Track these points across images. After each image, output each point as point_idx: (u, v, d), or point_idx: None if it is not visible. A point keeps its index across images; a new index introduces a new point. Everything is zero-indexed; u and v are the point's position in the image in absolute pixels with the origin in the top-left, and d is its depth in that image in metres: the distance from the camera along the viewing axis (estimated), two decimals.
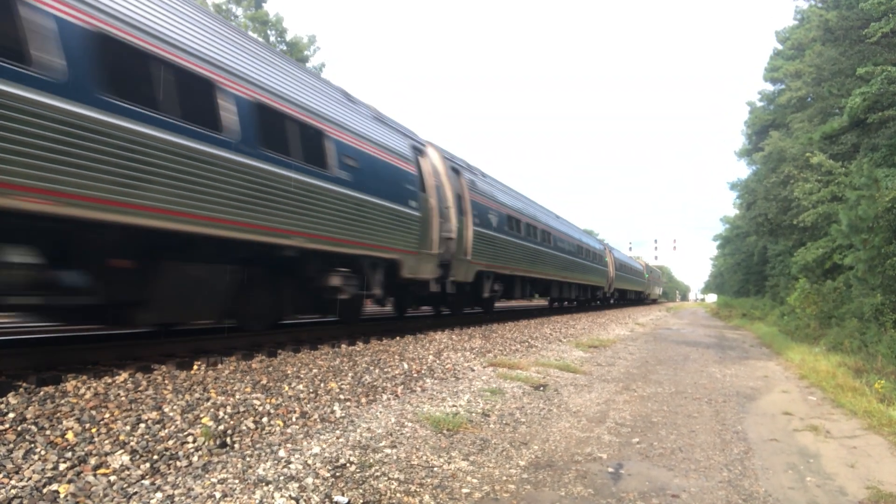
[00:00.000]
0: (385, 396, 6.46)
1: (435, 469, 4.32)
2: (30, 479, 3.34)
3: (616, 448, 5.28)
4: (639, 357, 12.35)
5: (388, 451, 4.59)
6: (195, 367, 6.50)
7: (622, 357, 12.11)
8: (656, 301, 74.83)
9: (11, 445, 3.73)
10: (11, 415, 4.21)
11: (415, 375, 7.63)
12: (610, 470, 4.64)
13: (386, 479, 4.01)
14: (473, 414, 6.02)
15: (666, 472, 4.65)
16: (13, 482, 3.28)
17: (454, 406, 6.24)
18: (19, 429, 3.99)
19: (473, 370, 8.59)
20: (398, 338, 10.78)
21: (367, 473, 4.06)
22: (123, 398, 4.93)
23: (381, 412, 5.74)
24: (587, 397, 7.50)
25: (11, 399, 4.60)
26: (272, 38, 34.86)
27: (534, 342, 13.02)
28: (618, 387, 8.40)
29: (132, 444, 4.03)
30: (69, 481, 3.39)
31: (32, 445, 3.76)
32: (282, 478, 3.79)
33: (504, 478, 4.30)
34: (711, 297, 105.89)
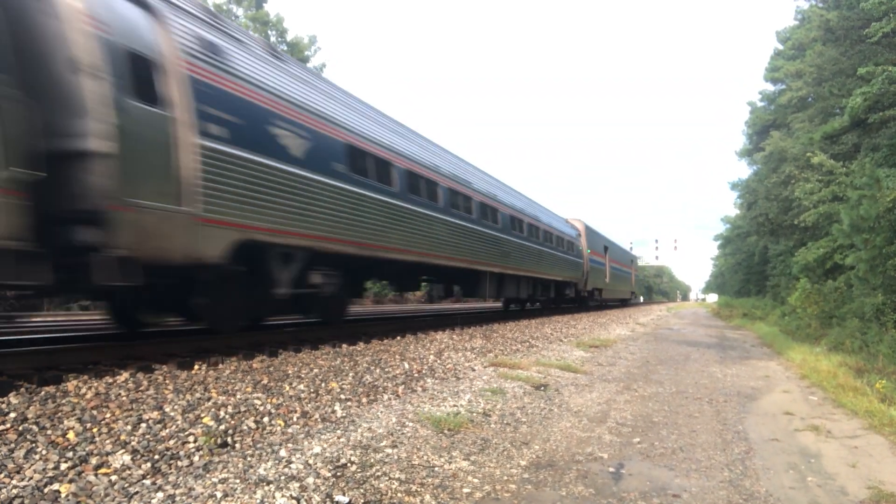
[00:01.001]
0: (386, 396, 6.46)
1: (436, 469, 4.32)
2: (31, 478, 3.34)
3: (617, 448, 5.28)
4: (640, 357, 12.35)
5: (389, 450, 4.59)
6: (196, 366, 6.51)
7: (623, 357, 12.11)
8: (627, 303, 49.51)
9: (13, 445, 3.73)
10: (13, 414, 4.22)
11: (416, 375, 7.63)
12: (611, 470, 4.64)
13: (387, 478, 4.01)
14: (474, 414, 6.01)
15: (667, 472, 4.65)
16: (14, 482, 3.28)
17: (455, 406, 6.24)
18: (20, 428, 3.99)
19: (474, 370, 8.59)
20: (399, 337, 10.78)
21: (368, 473, 4.06)
22: (124, 398, 4.94)
23: (381, 412, 5.74)
24: (588, 397, 7.50)
25: (13, 399, 4.61)
26: (273, 39, 34.87)
27: (535, 342, 13.02)
28: (619, 386, 8.39)
29: (133, 443, 4.03)
30: (70, 481, 3.39)
31: (34, 445, 3.76)
32: (283, 477, 3.79)
33: (505, 477, 4.30)
34: (712, 297, 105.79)
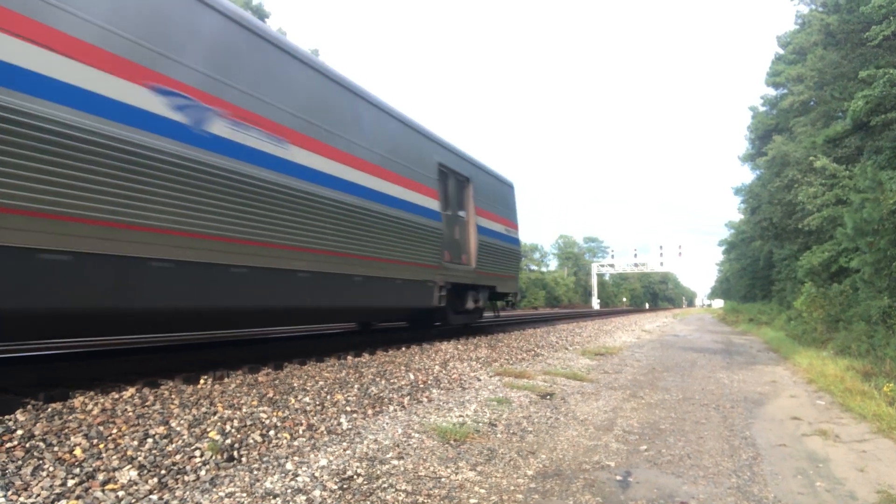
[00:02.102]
0: (391, 407, 6.46)
1: (442, 480, 4.31)
2: (38, 495, 3.35)
3: (624, 456, 5.26)
4: (646, 364, 12.31)
5: (395, 462, 4.59)
6: (202, 381, 6.52)
7: (629, 364, 12.08)
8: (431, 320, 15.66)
9: (20, 462, 3.74)
10: (20, 431, 4.23)
11: (421, 386, 7.62)
12: (618, 478, 4.62)
13: (393, 490, 4.01)
14: (480, 424, 6.01)
15: (674, 479, 4.63)
16: (22, 499, 3.29)
17: (461, 416, 6.23)
18: (27, 445, 4.01)
19: (480, 380, 8.58)
20: (404, 348, 10.78)
21: (375, 485, 4.06)
22: (131, 413, 4.95)
23: (387, 423, 5.74)
24: (594, 405, 7.48)
25: (19, 416, 4.62)
26: None
27: (540, 351, 13.00)
28: (625, 394, 8.37)
29: (140, 459, 4.04)
30: (77, 497, 3.40)
31: (41, 462, 3.77)
32: (289, 491, 3.79)
33: (512, 487, 4.29)
34: (718, 303, 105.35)
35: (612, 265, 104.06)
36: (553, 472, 4.70)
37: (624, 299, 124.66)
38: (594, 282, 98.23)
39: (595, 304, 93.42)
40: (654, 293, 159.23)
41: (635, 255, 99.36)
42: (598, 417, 6.79)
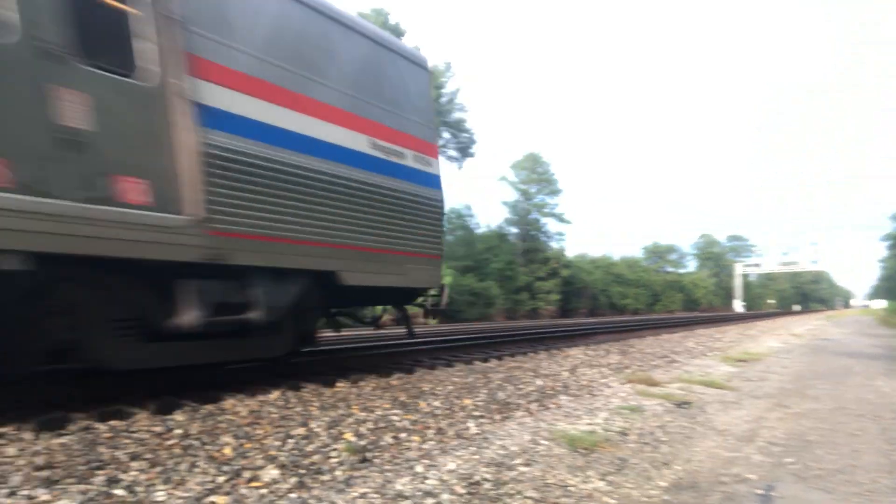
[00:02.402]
0: (519, 413, 6.46)
1: (570, 488, 4.27)
2: (193, 490, 3.66)
3: (767, 469, 4.96)
4: (793, 371, 11.51)
5: (522, 468, 4.59)
6: (339, 384, 6.84)
7: (775, 371, 11.34)
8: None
9: (179, 459, 4.10)
10: (178, 431, 4.65)
11: (549, 392, 7.56)
12: (759, 492, 4.37)
13: (521, 497, 4.01)
14: (610, 432, 5.87)
15: (823, 496, 4.31)
16: (178, 493, 3.61)
17: (590, 424, 6.12)
18: (184, 444, 4.39)
19: (610, 387, 8.39)
20: (531, 354, 10.74)
21: (502, 491, 4.08)
22: (275, 415, 5.28)
23: (514, 429, 5.75)
24: (735, 415, 7.10)
25: (178, 416, 5.08)
26: None
27: (676, 357, 12.50)
28: (769, 403, 7.87)
29: (281, 458, 4.31)
30: (226, 493, 3.68)
31: (195, 459, 4.12)
32: (419, 493, 3.89)
33: (643, 499, 4.17)
34: (879, 304, 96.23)
35: (757, 265, 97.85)
36: (688, 485, 4.51)
37: (770, 301, 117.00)
38: (737, 283, 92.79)
39: (738, 306, 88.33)
40: (805, 294, 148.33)
41: (784, 254, 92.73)
42: (738, 427, 6.44)
